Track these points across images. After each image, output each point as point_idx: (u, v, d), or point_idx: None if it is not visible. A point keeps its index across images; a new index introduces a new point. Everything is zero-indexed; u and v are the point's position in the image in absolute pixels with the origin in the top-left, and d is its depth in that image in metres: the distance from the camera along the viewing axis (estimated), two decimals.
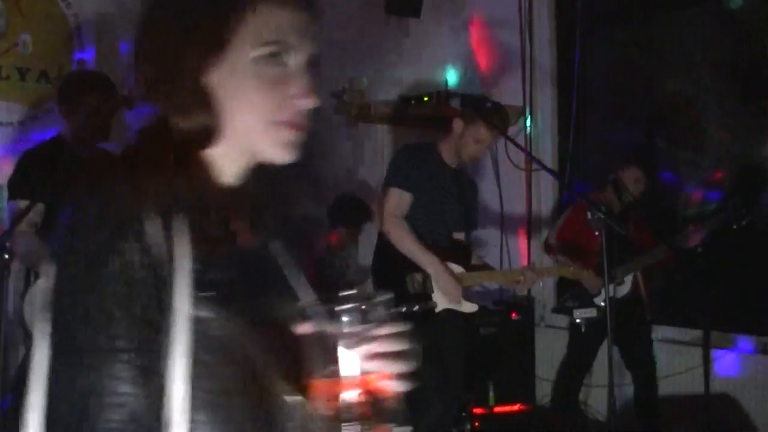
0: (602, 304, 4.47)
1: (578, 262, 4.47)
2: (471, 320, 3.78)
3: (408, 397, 3.73)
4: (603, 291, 4.45)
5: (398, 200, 3.64)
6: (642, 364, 4.63)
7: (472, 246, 4.03)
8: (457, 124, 3.71)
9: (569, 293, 4.58)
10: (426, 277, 3.62)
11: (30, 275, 3.24)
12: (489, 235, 5.86)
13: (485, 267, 4.02)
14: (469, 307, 3.71)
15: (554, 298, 5.82)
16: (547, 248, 4.89)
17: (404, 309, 3.49)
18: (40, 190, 3.14)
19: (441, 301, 3.61)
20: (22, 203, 3.18)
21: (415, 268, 3.61)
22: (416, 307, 3.54)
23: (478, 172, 6.02)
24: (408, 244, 3.61)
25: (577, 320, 4.43)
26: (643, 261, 4.49)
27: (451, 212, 3.74)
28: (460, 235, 3.87)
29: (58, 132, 3.45)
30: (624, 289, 4.54)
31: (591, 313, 4.42)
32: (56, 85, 4.65)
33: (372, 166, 5.81)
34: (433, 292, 3.63)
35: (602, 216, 3.12)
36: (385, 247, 3.65)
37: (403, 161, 3.72)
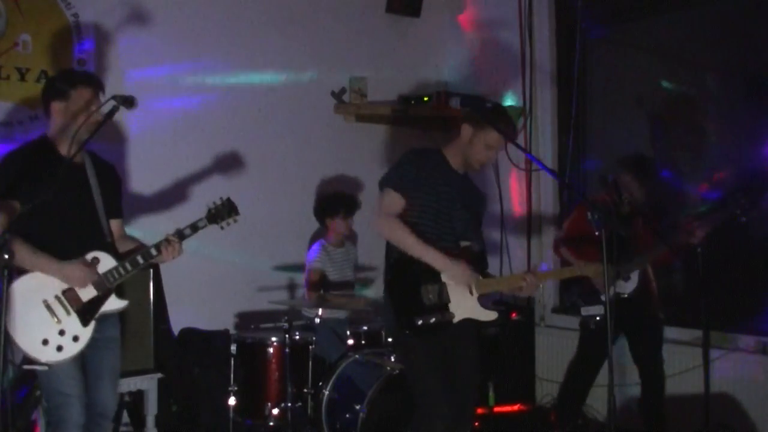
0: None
1: (584, 258, 4.49)
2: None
3: (416, 406, 3.66)
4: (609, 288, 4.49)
5: (391, 201, 3.53)
6: (650, 363, 4.64)
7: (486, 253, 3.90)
8: (466, 130, 3.58)
9: (576, 289, 4.58)
10: (442, 287, 3.50)
11: (11, 275, 3.22)
12: (489, 235, 5.87)
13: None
14: (489, 315, 3.60)
15: (554, 299, 5.83)
16: (555, 246, 4.90)
17: (421, 321, 3.43)
18: (26, 192, 3.15)
19: (459, 312, 3.54)
20: (12, 204, 3.18)
21: (430, 279, 3.50)
22: (433, 319, 3.46)
23: (478, 172, 6.03)
24: (404, 239, 3.46)
25: (584, 314, 4.44)
26: (647, 257, 4.50)
27: (458, 219, 3.63)
28: (465, 244, 3.71)
29: (44, 133, 3.40)
30: (631, 285, 4.54)
31: (598, 309, 4.42)
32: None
33: (371, 166, 5.81)
34: (449, 302, 3.51)
35: (601, 216, 3.12)
36: (399, 260, 3.55)
37: (407, 165, 3.58)
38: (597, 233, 3.17)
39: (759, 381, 4.58)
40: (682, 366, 4.79)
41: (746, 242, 5.01)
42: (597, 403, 5.11)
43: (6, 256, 2.72)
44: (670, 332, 4.89)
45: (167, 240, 3.43)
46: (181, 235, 3.47)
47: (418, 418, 3.54)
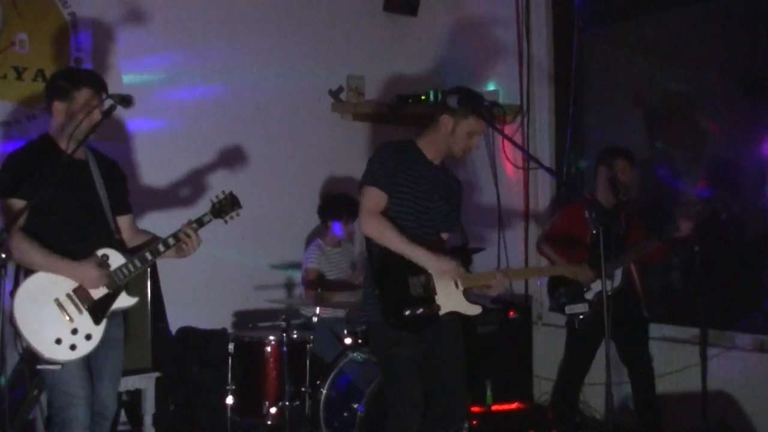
0: (593, 298, 4.48)
1: (568, 258, 4.49)
2: (469, 319, 3.71)
3: (404, 402, 3.64)
4: (593, 285, 4.49)
5: (374, 199, 3.52)
6: (638, 361, 4.62)
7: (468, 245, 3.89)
8: (447, 121, 3.60)
9: (561, 289, 4.58)
10: (429, 278, 3.49)
11: (20, 273, 3.25)
12: (487, 233, 5.87)
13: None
14: (474, 309, 3.60)
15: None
16: (538, 248, 4.88)
17: (408, 312, 3.43)
18: (30, 190, 3.14)
19: (445, 304, 3.54)
20: (16, 202, 3.19)
21: (416, 270, 3.48)
22: (420, 310, 3.45)
23: (475, 171, 6.03)
24: (391, 239, 3.45)
25: (568, 313, 4.44)
26: (632, 255, 4.47)
27: (438, 211, 3.63)
28: (445, 237, 3.72)
29: (46, 132, 3.39)
30: (614, 282, 4.52)
31: (582, 308, 4.43)
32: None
33: None
34: (436, 294, 3.50)
35: (602, 215, 3.12)
36: (382, 251, 3.49)
37: (382, 160, 3.59)
38: (594, 231, 3.16)
39: (756, 379, 4.59)
40: (680, 364, 4.79)
41: (743, 240, 5.02)
42: (595, 401, 5.12)
43: (3, 255, 2.72)
44: (668, 330, 4.89)
45: (185, 233, 3.40)
46: None
47: (391, 416, 3.53)
